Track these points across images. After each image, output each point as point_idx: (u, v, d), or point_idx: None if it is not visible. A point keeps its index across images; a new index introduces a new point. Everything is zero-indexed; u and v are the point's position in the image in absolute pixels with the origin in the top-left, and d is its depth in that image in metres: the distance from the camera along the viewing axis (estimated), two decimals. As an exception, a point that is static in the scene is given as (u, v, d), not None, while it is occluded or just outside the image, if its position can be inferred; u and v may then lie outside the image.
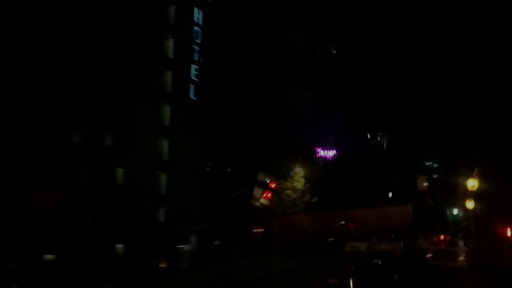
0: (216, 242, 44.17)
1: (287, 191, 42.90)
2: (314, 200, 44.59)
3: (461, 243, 40.79)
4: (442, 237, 47.34)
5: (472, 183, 44.04)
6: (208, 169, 48.54)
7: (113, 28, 35.39)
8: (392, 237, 46.47)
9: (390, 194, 76.75)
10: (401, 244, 36.36)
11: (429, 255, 37.46)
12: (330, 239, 44.73)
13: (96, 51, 34.54)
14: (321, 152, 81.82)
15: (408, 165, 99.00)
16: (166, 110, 40.07)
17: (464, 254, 36.90)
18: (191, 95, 42.68)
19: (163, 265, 38.50)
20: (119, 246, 34.37)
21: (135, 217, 35.60)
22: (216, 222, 43.75)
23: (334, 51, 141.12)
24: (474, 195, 46.81)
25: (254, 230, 46.23)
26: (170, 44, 40.45)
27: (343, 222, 53.93)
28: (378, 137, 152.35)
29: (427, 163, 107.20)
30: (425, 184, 57.58)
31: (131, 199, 36.14)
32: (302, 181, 43.94)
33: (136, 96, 37.02)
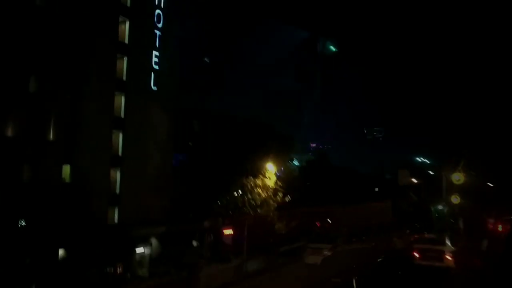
0: (182, 245, 40.78)
1: (257, 190, 39.26)
2: (287, 199, 41.02)
3: (448, 242, 38.83)
4: (426, 235, 44.80)
5: (458, 177, 41.09)
6: (178, 165, 44.87)
7: (57, 7, 31.57)
8: (364, 238, 43.42)
9: (377, 189, 73.24)
10: (372, 245, 33.83)
11: (416, 255, 36.75)
12: (299, 243, 41.46)
13: (37, 32, 30.68)
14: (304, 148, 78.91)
15: (400, 161, 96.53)
16: (121, 100, 36.27)
17: (451, 253, 35.93)
18: (151, 84, 38.90)
19: (118, 271, 35.04)
20: (61, 252, 30.72)
21: (84, 218, 31.87)
22: (181, 223, 40.17)
23: (333, 47, 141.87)
24: (459, 189, 44.05)
25: (224, 231, 42.80)
26: (126, 27, 36.65)
27: (318, 223, 50.70)
28: (374, 132, 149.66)
29: (419, 159, 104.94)
30: (408, 178, 54.47)
31: (79, 198, 32.37)
32: (274, 178, 40.32)
33: (85, 85, 33.20)
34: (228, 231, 42.08)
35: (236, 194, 39.58)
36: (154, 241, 39.04)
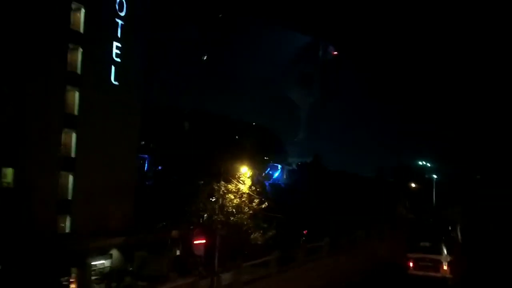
0: (146, 257, 37.01)
1: (229, 195, 35.43)
2: (263, 206, 37.17)
3: (445, 250, 36.29)
4: (421, 243, 41.88)
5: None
6: (146, 168, 41.13)
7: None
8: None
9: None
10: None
11: (410, 265, 35.16)
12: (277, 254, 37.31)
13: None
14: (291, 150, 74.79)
15: (401, 164, 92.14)
16: (74, 96, 32.58)
17: (448, 263, 34.42)
18: (112, 78, 35.19)
19: (70, 286, 31.36)
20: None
21: (27, 228, 28.25)
22: (146, 232, 36.39)
23: (335, 52, 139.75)
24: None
25: (195, 242, 38.83)
26: (81, 15, 32.97)
27: (305, 231, 46.72)
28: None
29: (420, 163, 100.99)
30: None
31: (23, 205, 28.77)
32: (249, 182, 36.48)
33: (30, 77, 29.56)
34: (199, 241, 38.11)
35: (205, 201, 35.88)
36: (115, 252, 35.30)
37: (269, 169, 53.78)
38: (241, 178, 36.46)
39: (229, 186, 35.98)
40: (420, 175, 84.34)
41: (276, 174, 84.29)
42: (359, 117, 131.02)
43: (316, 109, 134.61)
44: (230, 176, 36.28)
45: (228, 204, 35.45)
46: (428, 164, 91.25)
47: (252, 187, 36.22)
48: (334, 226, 52.13)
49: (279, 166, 78.84)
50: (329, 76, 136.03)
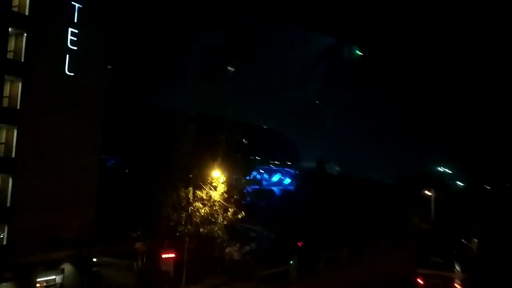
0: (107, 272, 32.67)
1: (197, 203, 30.70)
2: (239, 216, 32.27)
3: (458, 267, 33.04)
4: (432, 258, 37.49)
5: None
6: (109, 170, 36.78)
7: None
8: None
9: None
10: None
11: (419, 282, 32.32)
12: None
13: None
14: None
15: (419, 170, 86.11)
16: (17, 88, 28.45)
17: (460, 281, 31.62)
18: (66, 69, 30.97)
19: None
20: None
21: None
22: (104, 244, 31.98)
23: (360, 53, 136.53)
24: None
25: (163, 256, 34.18)
26: (26, -5, 28.89)
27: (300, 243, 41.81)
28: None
29: (439, 169, 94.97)
30: None
31: None
32: (222, 188, 31.65)
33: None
34: (168, 255, 33.41)
35: (170, 209, 31.24)
36: (67, 267, 31.01)
37: (255, 173, 48.76)
38: (213, 184, 31.74)
39: (199, 192, 31.29)
40: (439, 182, 77.89)
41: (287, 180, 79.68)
42: (380, 122, 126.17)
43: (337, 114, 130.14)
44: (201, 181, 31.63)
45: (195, 214, 30.76)
46: (449, 171, 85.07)
47: (225, 194, 31.33)
48: (335, 238, 47.02)
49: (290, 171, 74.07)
50: (350, 80, 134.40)
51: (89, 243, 30.92)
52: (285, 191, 72.46)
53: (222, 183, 31.79)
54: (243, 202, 33.53)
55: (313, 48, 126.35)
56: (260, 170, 69.26)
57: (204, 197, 31.38)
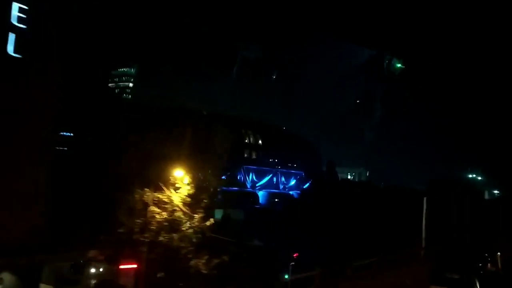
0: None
1: (152, 208, 26.04)
2: (208, 223, 27.40)
3: (478, 285, 31.25)
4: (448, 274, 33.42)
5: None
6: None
7: None
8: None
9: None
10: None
11: None
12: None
13: None
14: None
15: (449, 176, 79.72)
16: None
17: None
18: (9, 49, 26.96)
19: None
20: None
21: None
22: (49, 252, 27.68)
23: (401, 65, 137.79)
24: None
25: (121, 267, 29.68)
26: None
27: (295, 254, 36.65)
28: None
29: (470, 175, 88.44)
30: None
31: None
32: (185, 191, 26.87)
33: None
34: (127, 266, 28.86)
35: (123, 214, 26.68)
36: (8, 276, 26.99)
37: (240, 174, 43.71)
38: (176, 184, 27.01)
39: (158, 195, 26.62)
40: (468, 188, 70.98)
41: (293, 183, 74.74)
42: (415, 129, 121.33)
43: (373, 123, 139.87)
44: (162, 181, 26.95)
45: (153, 220, 26.10)
46: (479, 177, 78.16)
47: (187, 198, 26.50)
48: (340, 247, 41.77)
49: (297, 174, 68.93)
50: (388, 91, 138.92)
51: (32, 250, 26.77)
52: (303, 196, 67.82)
53: (187, 184, 27.07)
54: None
55: (355, 60, 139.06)
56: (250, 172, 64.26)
57: (166, 200, 26.74)
